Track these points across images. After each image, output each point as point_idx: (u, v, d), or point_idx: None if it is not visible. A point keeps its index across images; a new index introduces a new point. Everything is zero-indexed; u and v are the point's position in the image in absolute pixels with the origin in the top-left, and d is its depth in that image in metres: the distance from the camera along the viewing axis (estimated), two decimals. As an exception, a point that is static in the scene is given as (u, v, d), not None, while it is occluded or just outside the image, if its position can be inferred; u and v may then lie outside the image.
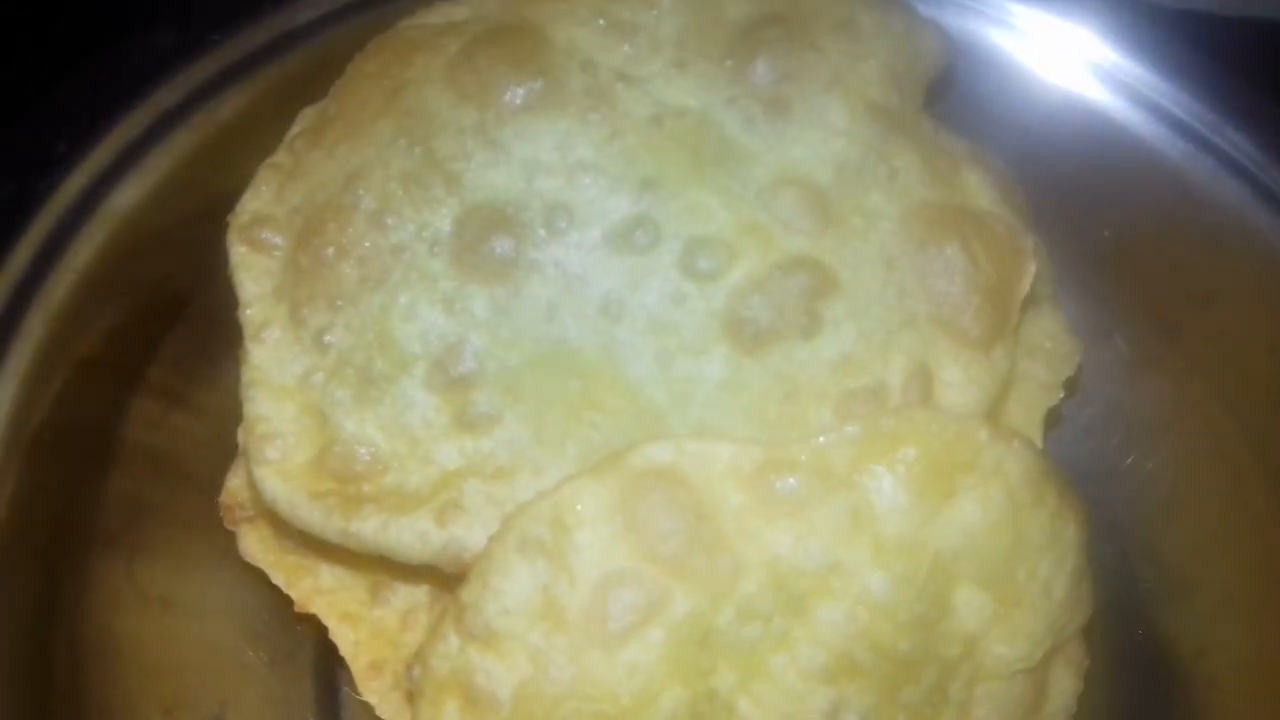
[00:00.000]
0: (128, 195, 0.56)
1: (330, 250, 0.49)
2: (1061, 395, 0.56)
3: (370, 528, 0.46)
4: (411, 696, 0.45)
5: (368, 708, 0.53)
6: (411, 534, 0.46)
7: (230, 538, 0.56)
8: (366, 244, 0.49)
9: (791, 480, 0.44)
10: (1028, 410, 0.53)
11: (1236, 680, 0.57)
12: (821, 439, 0.44)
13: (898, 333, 0.46)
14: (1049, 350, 0.56)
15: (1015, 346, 0.48)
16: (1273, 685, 0.56)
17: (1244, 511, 0.59)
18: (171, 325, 0.59)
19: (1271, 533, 0.58)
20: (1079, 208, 0.62)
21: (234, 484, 0.56)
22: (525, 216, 0.48)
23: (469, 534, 0.46)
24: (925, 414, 0.45)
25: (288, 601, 0.54)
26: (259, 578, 0.55)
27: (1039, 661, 0.48)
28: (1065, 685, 0.51)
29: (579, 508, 0.43)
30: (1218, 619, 0.59)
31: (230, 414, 0.51)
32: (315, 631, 0.55)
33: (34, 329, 0.53)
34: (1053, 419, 0.56)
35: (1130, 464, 0.63)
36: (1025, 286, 0.48)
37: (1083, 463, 0.61)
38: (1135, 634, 0.60)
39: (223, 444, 0.55)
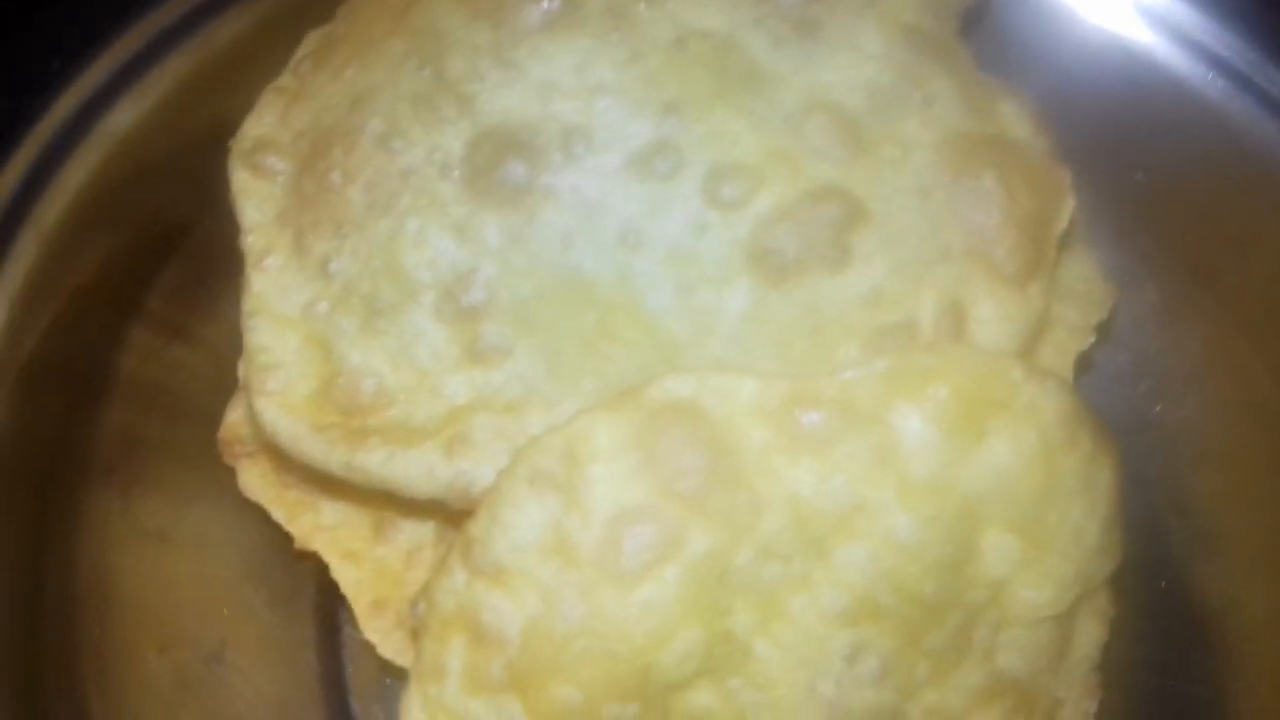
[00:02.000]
0: (125, 117, 0.54)
1: (336, 175, 0.47)
2: (1093, 340, 0.54)
3: (375, 460, 0.45)
4: (415, 633, 0.43)
5: (369, 647, 0.52)
6: (418, 467, 0.45)
7: (229, 473, 0.54)
8: (374, 168, 0.47)
9: (816, 416, 0.42)
10: (1059, 354, 0.51)
11: (1266, 634, 0.56)
12: (848, 374, 0.42)
13: (930, 267, 0.44)
14: (1081, 293, 0.54)
15: (1051, 285, 0.46)
16: (1301, 639, 0.55)
17: (1275, 463, 0.57)
18: (170, 254, 0.57)
19: (1302, 485, 0.57)
20: (1112, 149, 0.59)
21: (233, 418, 0.54)
22: (540, 140, 0.46)
23: (478, 468, 0.44)
24: (958, 350, 0.43)
25: (288, 538, 0.53)
26: (259, 514, 0.54)
27: (1066, 609, 0.46)
28: (1091, 634, 0.49)
29: (593, 442, 0.42)
30: (1247, 572, 0.58)
31: (231, 346, 0.49)
32: (316, 569, 0.54)
33: (25, 253, 0.52)
34: (1083, 364, 0.54)
35: (1159, 413, 0.61)
36: (1064, 221, 0.46)
37: (1110, 412, 0.58)
38: (1162, 586, 0.59)
39: (222, 377, 0.54)
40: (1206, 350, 0.60)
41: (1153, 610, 0.58)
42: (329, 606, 0.58)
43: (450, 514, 0.46)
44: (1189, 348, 0.61)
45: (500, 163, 0.46)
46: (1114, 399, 0.61)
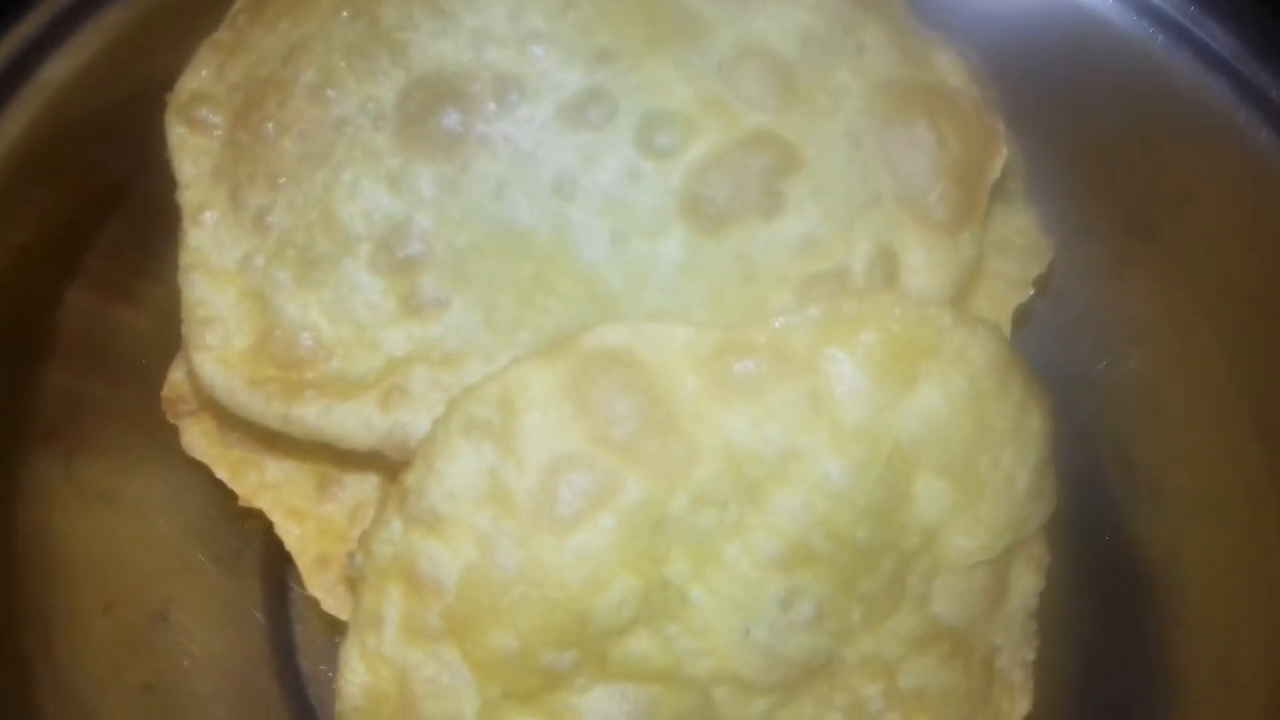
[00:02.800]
0: (58, 70, 0.53)
1: (270, 126, 0.47)
2: (1031, 292, 0.54)
3: (312, 413, 0.45)
4: (353, 583, 0.43)
5: (315, 605, 0.52)
6: (355, 419, 0.45)
7: (173, 432, 0.54)
8: (308, 119, 0.47)
9: (749, 363, 0.42)
10: (996, 306, 0.52)
11: (1203, 585, 0.57)
12: (780, 321, 0.42)
13: (862, 214, 0.45)
14: (1020, 247, 0.54)
15: (983, 234, 0.46)
16: (1240, 591, 0.56)
17: (1216, 417, 0.58)
18: (110, 212, 0.56)
19: (1243, 438, 0.57)
20: (1053, 103, 0.60)
21: (176, 377, 0.54)
22: (474, 89, 0.45)
23: (415, 419, 0.44)
24: (888, 298, 0.43)
25: (233, 497, 0.53)
26: (203, 473, 0.53)
27: (999, 555, 0.47)
28: (1027, 582, 0.50)
29: (528, 390, 0.42)
30: (1187, 525, 0.58)
31: (173, 306, 0.49)
32: (262, 528, 0.54)
33: (-41, 212, 0.51)
34: (1022, 317, 0.54)
35: (1103, 369, 0.62)
36: (995, 170, 0.46)
37: (1055, 368, 0.59)
38: (1103, 539, 0.59)
39: (165, 337, 0.53)
40: (1149, 306, 0.61)
41: (1094, 563, 0.58)
42: (275, 565, 0.58)
43: (392, 468, 0.46)
44: (1132, 304, 0.61)
45: (433, 112, 0.45)
46: (1058, 356, 0.62)
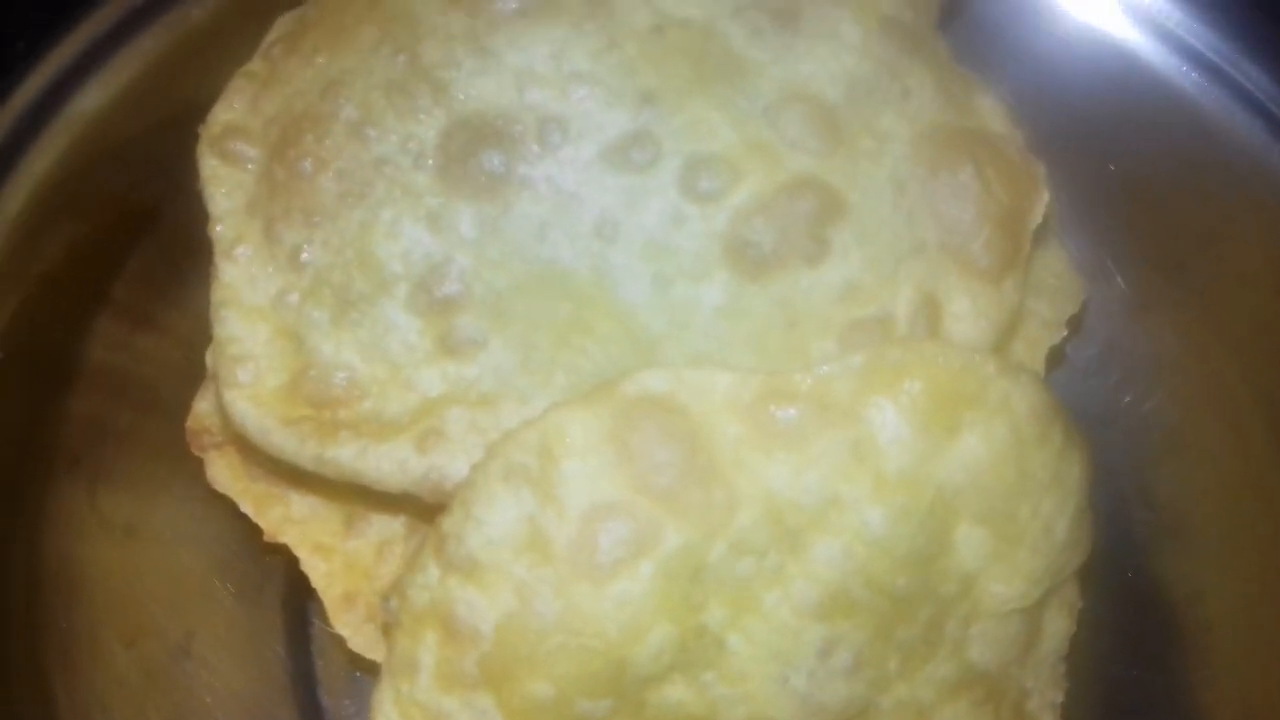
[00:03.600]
0: (91, 99, 0.53)
1: (307, 162, 0.47)
2: (1064, 334, 0.54)
3: (347, 454, 0.44)
4: (388, 628, 0.43)
5: (339, 640, 0.51)
6: (390, 461, 0.44)
7: (198, 464, 0.53)
8: (346, 156, 0.46)
9: (791, 411, 0.42)
10: (1031, 348, 0.52)
11: (1230, 625, 0.57)
12: (824, 369, 0.42)
13: (906, 261, 0.44)
14: (1053, 287, 0.54)
15: (1025, 280, 0.46)
16: (1266, 628, 0.56)
17: (1242, 454, 0.58)
18: (138, 241, 0.56)
19: (1269, 476, 0.57)
20: (1085, 140, 0.60)
21: (202, 408, 0.53)
22: (516, 130, 0.45)
23: (451, 462, 0.44)
24: (932, 345, 0.43)
25: (257, 531, 0.52)
26: (227, 506, 0.53)
27: (1035, 602, 0.46)
28: (1059, 627, 0.49)
29: (568, 436, 0.41)
30: (1212, 563, 0.58)
31: (199, 336, 0.49)
32: (286, 562, 0.53)
33: (-11, 241, 0.51)
34: (1055, 359, 0.54)
35: (1128, 405, 0.62)
36: (1038, 216, 0.46)
37: (1080, 403, 0.59)
38: (1128, 577, 0.59)
39: (191, 367, 0.53)
40: (1175, 342, 0.61)
41: (1119, 601, 0.58)
42: (298, 600, 0.57)
43: (422, 508, 0.46)
44: (1158, 340, 0.61)
45: (475, 152, 0.45)
46: (1083, 390, 0.62)
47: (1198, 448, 0.60)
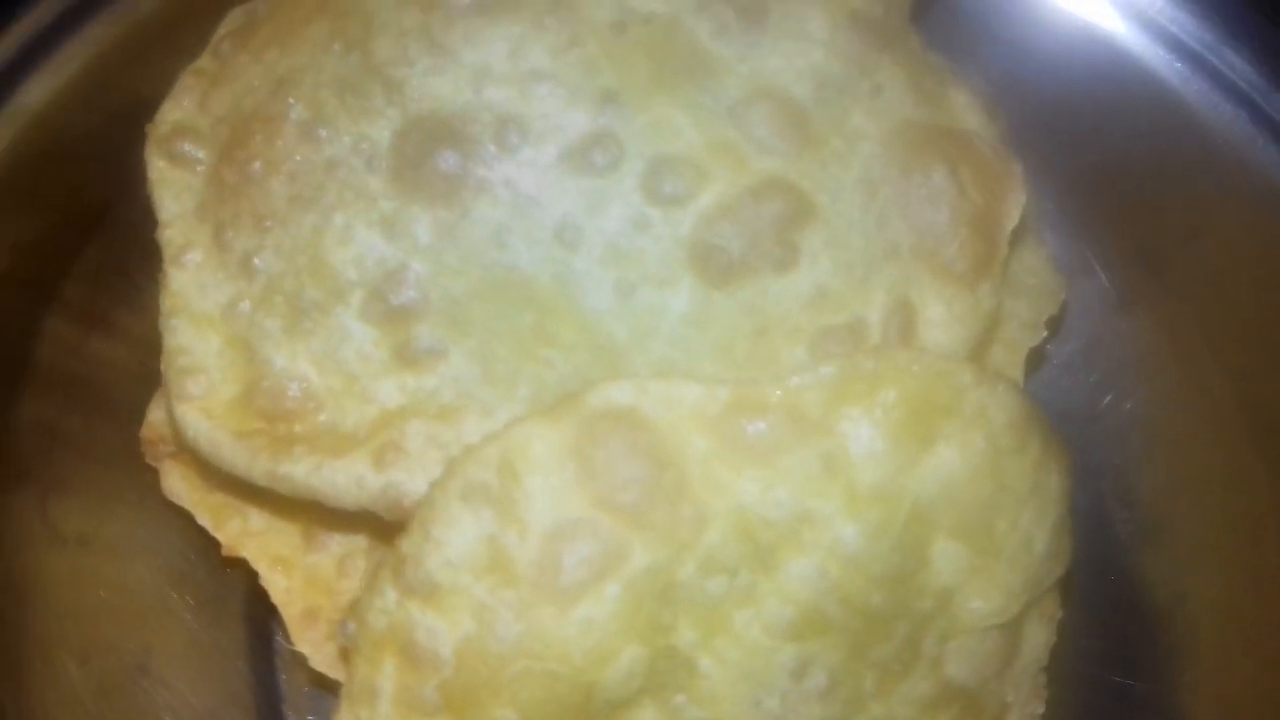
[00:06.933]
0: (36, 92, 0.51)
1: (257, 164, 0.45)
2: (1044, 335, 0.53)
3: (301, 470, 0.43)
4: (346, 653, 0.42)
5: (303, 656, 0.50)
6: (346, 477, 0.43)
7: (152, 472, 0.52)
8: (297, 158, 0.44)
9: (761, 424, 0.40)
10: (1009, 350, 0.50)
11: (1213, 625, 0.55)
12: (794, 379, 0.40)
13: (878, 265, 0.43)
14: (1032, 287, 0.52)
15: (1002, 284, 0.45)
16: (1249, 630, 0.55)
17: (1224, 453, 0.57)
18: (88, 239, 0.54)
19: (1251, 474, 0.56)
20: (1062, 132, 0.58)
21: (156, 416, 0.52)
22: (473, 130, 0.43)
23: (409, 478, 0.42)
24: (906, 354, 0.41)
25: (216, 543, 0.51)
26: (185, 517, 0.51)
27: (1014, 616, 0.45)
28: (1038, 639, 0.48)
29: (530, 452, 0.40)
30: (1195, 563, 0.57)
31: (154, 338, 0.47)
32: (246, 575, 0.52)
33: (-69, 240, 0.49)
34: (1034, 359, 0.53)
35: (1108, 403, 0.60)
36: (1015, 217, 0.45)
37: (1059, 402, 0.59)
38: (1110, 579, 0.58)
39: (145, 371, 0.51)
40: (1156, 339, 0.59)
41: (1100, 604, 0.57)
42: (260, 613, 0.56)
43: (380, 527, 0.44)
44: (1139, 337, 0.60)
45: (431, 154, 0.43)
46: (1063, 389, 0.61)
47: (1179, 447, 0.59)
